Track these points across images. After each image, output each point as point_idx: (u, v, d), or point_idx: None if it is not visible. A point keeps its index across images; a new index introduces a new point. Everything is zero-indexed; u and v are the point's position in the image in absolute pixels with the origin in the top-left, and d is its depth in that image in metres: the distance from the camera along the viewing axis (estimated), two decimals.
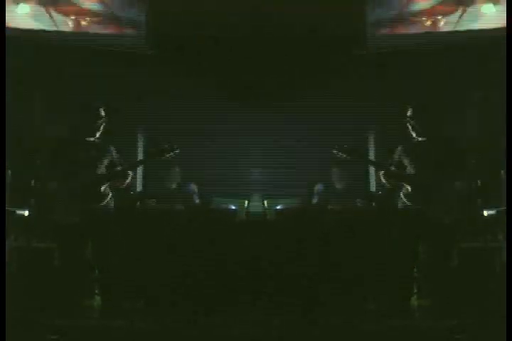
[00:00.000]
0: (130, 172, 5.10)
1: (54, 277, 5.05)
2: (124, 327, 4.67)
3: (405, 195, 5.00)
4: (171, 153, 5.01)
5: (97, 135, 5.06)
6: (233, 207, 5.99)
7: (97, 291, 5.22)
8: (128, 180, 5.09)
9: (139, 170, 6.41)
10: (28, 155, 5.99)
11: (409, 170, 5.00)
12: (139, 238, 5.30)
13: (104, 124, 5.06)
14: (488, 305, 4.82)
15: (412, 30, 6.54)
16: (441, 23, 6.50)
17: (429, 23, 6.53)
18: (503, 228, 5.16)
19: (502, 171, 5.57)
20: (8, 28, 5.66)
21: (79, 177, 4.91)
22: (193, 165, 5.87)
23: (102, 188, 4.98)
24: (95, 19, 6.58)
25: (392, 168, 5.06)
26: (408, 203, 4.97)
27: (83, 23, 6.58)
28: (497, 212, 5.53)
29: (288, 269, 5.25)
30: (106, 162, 5.04)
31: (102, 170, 5.02)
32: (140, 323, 4.75)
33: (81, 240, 4.95)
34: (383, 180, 5.08)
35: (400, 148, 5.09)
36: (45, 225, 5.27)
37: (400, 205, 5.04)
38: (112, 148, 5.10)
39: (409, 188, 4.96)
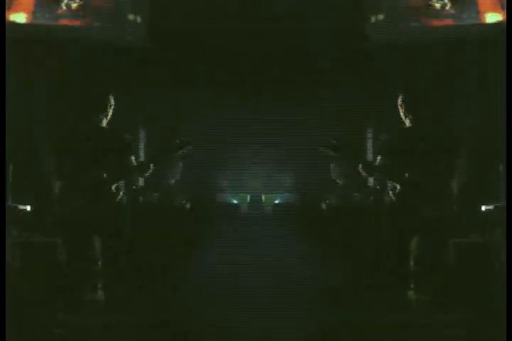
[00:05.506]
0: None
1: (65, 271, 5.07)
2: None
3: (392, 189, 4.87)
4: (187, 148, 4.86)
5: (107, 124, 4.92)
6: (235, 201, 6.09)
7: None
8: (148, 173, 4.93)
9: None
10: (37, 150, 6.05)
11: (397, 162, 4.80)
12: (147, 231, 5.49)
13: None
14: (485, 300, 4.90)
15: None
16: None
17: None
18: (501, 224, 5.19)
19: (501, 165, 5.58)
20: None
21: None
22: (196, 161, 5.89)
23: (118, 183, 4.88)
24: None
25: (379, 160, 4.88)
26: (393, 198, 4.84)
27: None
28: (495, 207, 5.57)
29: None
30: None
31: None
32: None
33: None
34: (363, 173, 4.88)
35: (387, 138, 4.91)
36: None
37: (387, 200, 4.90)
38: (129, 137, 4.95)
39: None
